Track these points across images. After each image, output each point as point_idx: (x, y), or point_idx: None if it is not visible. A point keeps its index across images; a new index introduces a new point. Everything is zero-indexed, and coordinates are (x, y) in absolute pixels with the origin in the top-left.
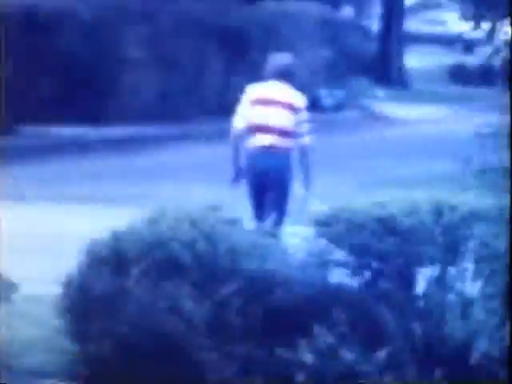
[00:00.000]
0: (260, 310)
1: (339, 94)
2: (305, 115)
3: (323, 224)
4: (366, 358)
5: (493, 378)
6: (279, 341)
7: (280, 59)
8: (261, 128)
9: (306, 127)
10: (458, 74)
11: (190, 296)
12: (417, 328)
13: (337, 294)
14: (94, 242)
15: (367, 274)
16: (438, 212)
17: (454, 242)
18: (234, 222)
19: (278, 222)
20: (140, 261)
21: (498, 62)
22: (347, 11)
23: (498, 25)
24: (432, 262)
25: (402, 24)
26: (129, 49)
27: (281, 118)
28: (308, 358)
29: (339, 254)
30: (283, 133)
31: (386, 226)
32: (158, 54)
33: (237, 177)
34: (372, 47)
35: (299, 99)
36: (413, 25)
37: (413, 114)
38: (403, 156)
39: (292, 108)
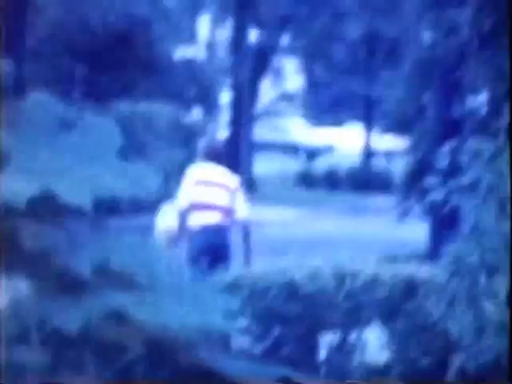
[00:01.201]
0: (166, 375)
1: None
2: (239, 193)
3: (226, 291)
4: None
5: None
6: None
7: (210, 143)
8: (201, 206)
9: (241, 203)
10: (304, 179)
11: None
12: None
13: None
14: None
15: (270, 340)
16: (340, 278)
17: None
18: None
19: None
20: None
21: None
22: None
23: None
24: (334, 328)
25: (250, 131)
26: None
27: (220, 197)
28: None
29: (242, 321)
30: (223, 210)
31: (289, 291)
32: None
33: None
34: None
35: (232, 180)
36: (258, 132)
37: (260, 216)
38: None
39: (227, 188)
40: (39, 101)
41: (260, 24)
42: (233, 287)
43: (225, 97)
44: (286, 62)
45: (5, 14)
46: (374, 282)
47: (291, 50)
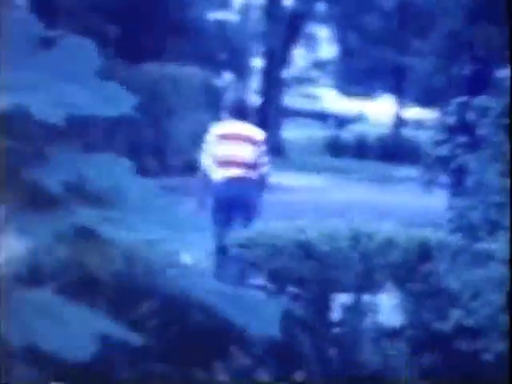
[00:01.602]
0: (177, 331)
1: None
2: (263, 148)
3: (243, 247)
4: (282, 380)
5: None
6: (195, 361)
7: (236, 101)
8: (227, 162)
9: (265, 159)
10: (333, 147)
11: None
12: (332, 353)
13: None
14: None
15: (284, 298)
16: (356, 238)
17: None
18: (151, 243)
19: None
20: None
21: None
22: (227, 77)
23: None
24: (348, 289)
25: (280, 97)
26: None
27: (244, 152)
28: (224, 378)
29: (257, 278)
30: (247, 165)
31: (305, 250)
32: None
33: (200, 207)
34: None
35: (258, 134)
36: (288, 99)
37: (294, 182)
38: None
39: (253, 142)
40: (19, 19)
41: None
42: (251, 243)
43: (256, 62)
44: (320, 29)
45: None
46: (389, 245)
47: (325, 18)
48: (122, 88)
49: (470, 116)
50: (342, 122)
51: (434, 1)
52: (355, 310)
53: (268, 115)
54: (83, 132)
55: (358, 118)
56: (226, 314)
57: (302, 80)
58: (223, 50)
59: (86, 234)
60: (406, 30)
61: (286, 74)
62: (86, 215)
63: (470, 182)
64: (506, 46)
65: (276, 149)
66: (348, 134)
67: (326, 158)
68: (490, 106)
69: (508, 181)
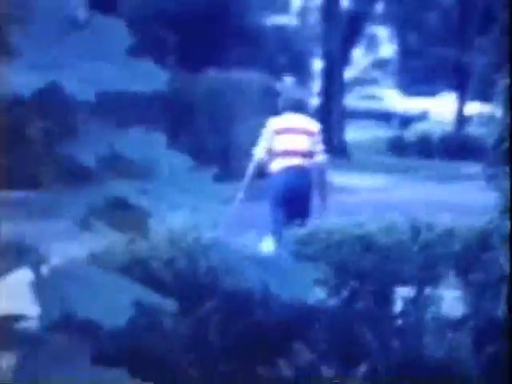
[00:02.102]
0: (240, 328)
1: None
2: (318, 138)
3: (301, 242)
4: (346, 375)
5: None
6: (259, 358)
7: (290, 94)
8: (286, 152)
9: (320, 147)
10: (396, 147)
11: (170, 313)
12: (395, 345)
13: (316, 313)
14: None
15: (345, 293)
16: (416, 230)
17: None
18: (213, 241)
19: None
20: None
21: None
22: (288, 81)
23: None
24: (409, 281)
25: (342, 98)
26: None
27: (301, 143)
28: (289, 374)
29: (318, 273)
30: (304, 154)
31: (364, 244)
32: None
33: (271, 199)
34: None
35: (313, 125)
36: (350, 100)
37: (358, 182)
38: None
39: (308, 133)
40: (52, 1)
41: None
42: (309, 238)
43: (317, 64)
44: (379, 29)
45: None
46: (449, 235)
47: (384, 18)
48: (153, 65)
49: None
50: (404, 121)
51: None
52: (417, 302)
53: (330, 117)
54: (115, 108)
55: (421, 117)
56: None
57: (363, 80)
58: (283, 54)
59: (120, 205)
60: (465, 27)
61: (347, 75)
62: (119, 187)
63: None
64: None
65: (339, 150)
66: (411, 133)
67: (390, 157)
68: None
69: None
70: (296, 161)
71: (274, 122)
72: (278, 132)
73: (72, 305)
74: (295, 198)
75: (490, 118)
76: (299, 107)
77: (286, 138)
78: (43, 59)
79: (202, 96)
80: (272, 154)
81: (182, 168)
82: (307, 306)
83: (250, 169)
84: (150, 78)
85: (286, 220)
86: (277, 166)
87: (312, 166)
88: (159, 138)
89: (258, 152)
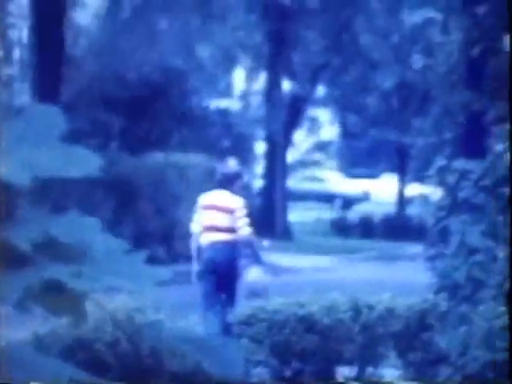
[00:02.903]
0: None
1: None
2: (241, 213)
3: (244, 323)
4: None
5: None
6: None
7: (221, 169)
8: (208, 228)
9: (243, 222)
10: (339, 227)
11: None
12: None
13: None
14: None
15: (288, 373)
16: (357, 310)
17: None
18: (156, 323)
19: (230, 303)
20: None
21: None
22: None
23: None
24: (351, 361)
25: (285, 180)
26: None
27: (222, 219)
28: None
29: (260, 353)
30: (226, 230)
31: (306, 324)
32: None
33: (200, 272)
34: (255, 201)
35: (235, 201)
36: (293, 182)
37: (301, 263)
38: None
39: (229, 210)
40: None
41: (293, 75)
42: (252, 318)
43: (260, 147)
44: (320, 112)
45: (40, 68)
46: (389, 315)
47: (325, 101)
48: (87, 150)
49: (450, 179)
50: (346, 202)
51: (431, 78)
52: (359, 382)
53: (274, 198)
54: (52, 193)
55: (362, 198)
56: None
57: (305, 163)
58: (226, 137)
59: (56, 289)
60: (404, 109)
61: (290, 157)
62: (55, 271)
63: (452, 242)
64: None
65: (283, 231)
66: (353, 214)
67: (333, 238)
68: (470, 170)
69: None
70: (219, 236)
71: (202, 198)
72: (204, 208)
73: None
74: (219, 270)
75: (428, 199)
76: (227, 183)
77: (210, 214)
78: None
79: (145, 179)
80: (201, 228)
81: (116, 251)
82: None
83: (192, 244)
84: (83, 163)
85: (213, 293)
86: (204, 240)
87: (238, 239)
88: (94, 223)
89: (194, 227)
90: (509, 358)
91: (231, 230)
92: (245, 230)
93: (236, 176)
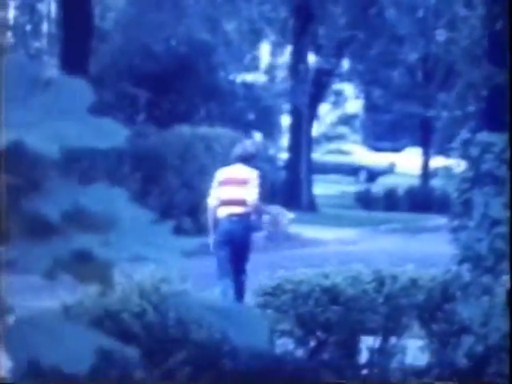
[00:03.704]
0: (209, 379)
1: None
2: (253, 183)
3: (269, 294)
4: None
5: None
6: None
7: (240, 148)
8: (225, 202)
9: (253, 191)
10: (363, 200)
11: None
12: None
13: (283, 363)
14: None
15: (312, 343)
16: (380, 281)
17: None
18: (183, 293)
19: (242, 272)
20: None
21: None
22: (257, 136)
23: None
24: (374, 332)
25: (310, 153)
26: None
27: (239, 193)
28: None
29: (285, 324)
30: (240, 203)
31: (330, 295)
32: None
33: (216, 242)
34: (280, 174)
35: (249, 173)
36: (318, 155)
37: (326, 235)
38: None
39: (243, 182)
40: (15, 62)
41: (318, 49)
42: (276, 290)
43: (285, 120)
44: (345, 86)
45: (68, 41)
46: (412, 286)
47: (350, 75)
48: (114, 122)
49: (473, 152)
50: (371, 175)
51: (455, 52)
52: (382, 352)
53: (299, 171)
54: (80, 164)
55: (387, 171)
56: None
57: (330, 136)
58: (252, 110)
59: (85, 258)
60: (429, 83)
61: (315, 130)
62: (83, 240)
63: (475, 214)
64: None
65: (308, 204)
66: (378, 187)
67: (357, 211)
68: (492, 142)
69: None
70: (236, 209)
71: (220, 174)
72: (221, 183)
73: (37, 354)
74: (235, 242)
75: (452, 172)
76: (248, 159)
77: (227, 189)
78: (7, 119)
79: (172, 151)
80: (219, 202)
81: (143, 221)
82: (275, 356)
83: (208, 217)
84: (111, 135)
85: (227, 263)
86: (221, 213)
87: (251, 210)
88: (121, 193)
89: (210, 201)
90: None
91: (245, 202)
92: (253, 197)
93: (252, 156)
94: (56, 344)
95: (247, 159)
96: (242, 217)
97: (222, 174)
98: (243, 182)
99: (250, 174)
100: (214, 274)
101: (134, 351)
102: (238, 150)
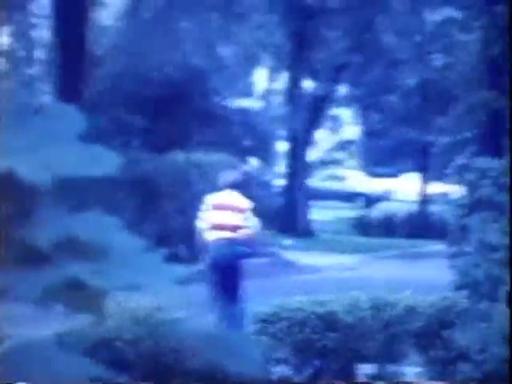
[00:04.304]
0: None
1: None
2: (249, 214)
3: (265, 321)
4: None
5: None
6: None
7: (229, 176)
8: (218, 226)
9: (249, 222)
10: (361, 226)
11: None
12: None
13: None
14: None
15: (309, 371)
16: (377, 308)
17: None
18: (177, 321)
19: (233, 299)
20: None
21: None
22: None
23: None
24: (372, 359)
25: (307, 180)
26: None
27: (229, 218)
28: None
29: (281, 351)
30: (233, 228)
31: (327, 322)
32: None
33: (205, 268)
34: (276, 200)
35: (244, 203)
36: (315, 181)
37: (322, 261)
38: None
39: (237, 209)
40: (5, 89)
41: (315, 74)
42: (273, 317)
43: (281, 146)
44: (342, 111)
45: (62, 67)
46: (410, 313)
47: (347, 100)
48: (106, 149)
49: (470, 177)
50: (369, 201)
51: (452, 77)
52: (380, 380)
53: (295, 197)
54: (71, 192)
55: (385, 197)
56: None
57: (327, 161)
58: (248, 136)
59: (76, 286)
60: (426, 108)
61: (311, 156)
62: (74, 269)
63: (472, 240)
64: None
65: (304, 230)
66: (375, 213)
67: (354, 237)
68: (490, 168)
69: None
70: (225, 234)
71: (210, 199)
72: (214, 207)
73: (29, 382)
74: (222, 265)
75: (449, 197)
76: (235, 186)
77: (217, 214)
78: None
79: (167, 178)
80: (209, 226)
81: (135, 249)
82: (272, 383)
83: (197, 240)
84: (103, 162)
85: (219, 288)
86: (210, 237)
87: (242, 237)
88: (113, 221)
89: (200, 224)
90: (509, 358)
91: (236, 228)
92: (252, 228)
93: (241, 183)
94: (49, 372)
95: (236, 186)
96: (231, 241)
97: (215, 198)
98: (237, 210)
99: (245, 203)
100: (209, 300)
101: (126, 379)
102: (227, 176)
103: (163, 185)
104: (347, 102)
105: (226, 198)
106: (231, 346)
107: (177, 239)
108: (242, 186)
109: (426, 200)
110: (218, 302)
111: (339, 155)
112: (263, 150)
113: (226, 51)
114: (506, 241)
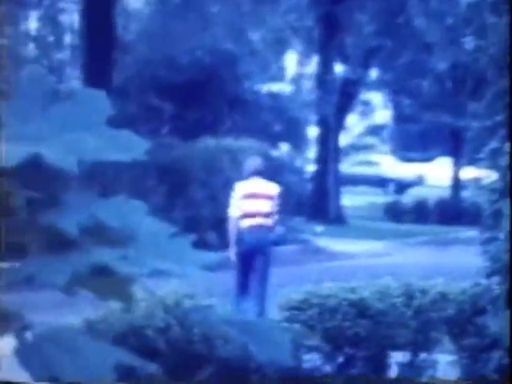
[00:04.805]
0: None
1: (279, 230)
2: (278, 199)
3: (296, 308)
4: None
5: None
6: None
7: (253, 163)
8: (249, 214)
9: (278, 207)
10: (392, 212)
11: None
12: None
13: (312, 378)
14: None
15: (340, 359)
16: (409, 295)
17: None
18: (207, 308)
19: (262, 287)
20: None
21: None
22: (284, 148)
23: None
24: (404, 346)
25: (338, 165)
26: None
27: (262, 206)
28: None
29: (312, 339)
30: (265, 215)
31: (358, 309)
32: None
33: (237, 254)
34: (307, 186)
35: (273, 189)
36: (346, 166)
37: (354, 248)
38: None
39: (269, 197)
40: (33, 74)
41: (345, 58)
42: (303, 304)
43: (312, 131)
44: (373, 95)
45: (91, 53)
46: (442, 299)
47: (378, 84)
48: (133, 134)
49: (502, 162)
50: (400, 186)
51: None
52: (412, 367)
53: (326, 183)
54: (99, 177)
55: (416, 182)
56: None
57: (358, 146)
58: (278, 121)
59: (103, 272)
60: (458, 92)
61: (342, 141)
62: (101, 255)
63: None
64: None
65: (335, 216)
66: (407, 199)
67: (386, 223)
68: None
69: None
70: (258, 221)
71: (240, 187)
72: (243, 196)
73: (56, 370)
74: (255, 252)
75: (481, 182)
76: (261, 173)
77: (248, 202)
78: (26, 131)
79: (197, 163)
80: (241, 213)
81: (163, 235)
82: (303, 371)
83: (230, 228)
84: (129, 147)
85: (248, 275)
86: (243, 224)
87: (273, 224)
88: (140, 206)
89: (232, 212)
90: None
91: (268, 215)
92: (276, 216)
93: (263, 170)
94: (76, 360)
95: (259, 172)
96: (265, 229)
97: (245, 187)
98: (267, 197)
99: (274, 190)
100: (237, 287)
101: (156, 367)
102: (250, 164)
103: (193, 171)
104: (378, 86)
105: (256, 186)
106: (261, 334)
107: (206, 226)
108: (267, 172)
109: (457, 185)
110: (248, 288)
111: (370, 140)
112: (294, 136)
113: (256, 35)
114: None
